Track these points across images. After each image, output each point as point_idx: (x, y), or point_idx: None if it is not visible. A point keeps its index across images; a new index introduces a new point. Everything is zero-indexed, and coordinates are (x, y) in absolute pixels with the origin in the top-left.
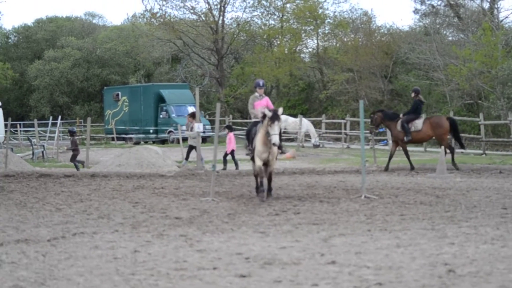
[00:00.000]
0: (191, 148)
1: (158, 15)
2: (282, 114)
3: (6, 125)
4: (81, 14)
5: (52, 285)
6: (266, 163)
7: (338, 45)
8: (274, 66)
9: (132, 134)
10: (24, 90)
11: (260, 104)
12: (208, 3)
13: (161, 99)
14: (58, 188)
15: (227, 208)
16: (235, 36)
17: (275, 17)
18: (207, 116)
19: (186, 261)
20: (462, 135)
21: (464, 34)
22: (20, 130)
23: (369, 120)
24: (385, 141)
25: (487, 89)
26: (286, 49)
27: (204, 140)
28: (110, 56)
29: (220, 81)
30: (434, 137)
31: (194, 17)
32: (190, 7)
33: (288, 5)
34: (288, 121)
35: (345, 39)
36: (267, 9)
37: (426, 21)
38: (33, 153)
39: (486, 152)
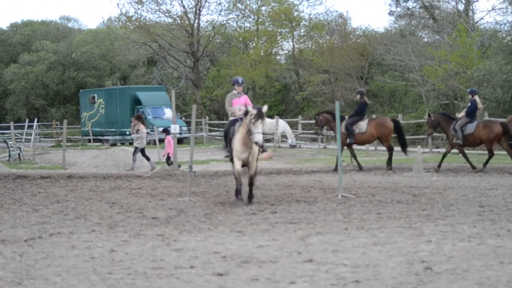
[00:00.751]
0: (136, 149)
1: (133, 18)
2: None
3: None
4: (56, 18)
5: (29, 284)
6: (245, 164)
7: (313, 47)
8: (250, 68)
9: (108, 135)
10: (0, 94)
11: (238, 103)
12: (183, 6)
13: (137, 101)
14: (35, 189)
15: (204, 208)
16: (210, 38)
17: (251, 19)
18: (183, 118)
19: (163, 260)
20: (438, 134)
21: (440, 35)
22: None
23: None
24: None
25: (463, 89)
26: (262, 51)
27: (181, 141)
28: (86, 59)
29: (196, 83)
30: (378, 138)
31: (170, 20)
32: (165, 11)
33: (263, 8)
34: (265, 122)
35: (321, 41)
36: (242, 12)
37: (402, 23)
38: (9, 155)
39: None
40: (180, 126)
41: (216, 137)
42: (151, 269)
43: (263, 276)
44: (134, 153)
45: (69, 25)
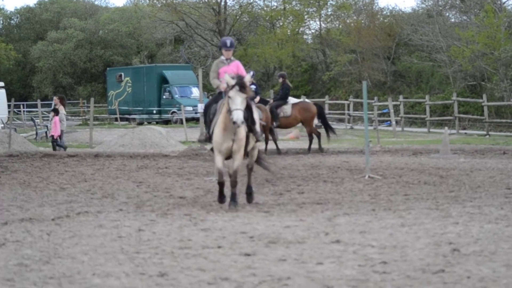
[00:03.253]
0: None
1: None
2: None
3: (9, 106)
4: None
5: (56, 263)
6: (229, 156)
7: (340, 26)
8: (277, 48)
9: (135, 114)
10: (27, 71)
11: (228, 72)
12: None
13: (164, 80)
14: (62, 167)
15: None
16: (237, 17)
17: None
18: (210, 97)
19: (191, 239)
20: (465, 116)
21: (467, 16)
22: (23, 111)
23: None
24: (389, 122)
25: (490, 70)
26: (288, 31)
27: None
28: (113, 37)
29: None
30: (301, 122)
31: None
32: None
33: None
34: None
35: (348, 21)
36: None
37: (429, 3)
38: (36, 133)
39: (490, 133)
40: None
41: None
42: (179, 248)
43: (291, 256)
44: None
45: (96, 2)
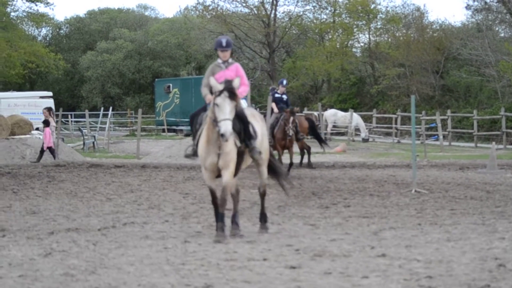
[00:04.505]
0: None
1: (210, 8)
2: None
3: (57, 115)
4: (133, 6)
5: (102, 273)
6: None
7: (390, 40)
8: (326, 60)
9: (182, 126)
10: (75, 81)
11: (225, 77)
12: None
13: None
14: (109, 178)
15: (277, 200)
16: (287, 30)
17: (327, 11)
18: (258, 109)
19: (236, 252)
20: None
21: None
22: (71, 121)
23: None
24: (436, 136)
25: None
26: (337, 44)
27: None
28: (162, 48)
29: (271, 75)
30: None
31: (246, 10)
32: (242, 0)
33: (340, 0)
34: (338, 115)
35: (397, 34)
36: (319, 3)
37: (479, 17)
38: (84, 143)
39: None
40: None
41: None
42: (224, 260)
43: (336, 269)
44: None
45: (146, 13)
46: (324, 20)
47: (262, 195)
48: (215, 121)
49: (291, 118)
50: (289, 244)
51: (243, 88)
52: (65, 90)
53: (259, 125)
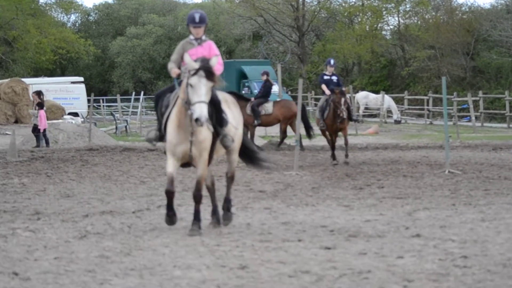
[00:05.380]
0: (34, 127)
1: None
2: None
3: (89, 100)
4: None
5: (137, 255)
6: (188, 163)
7: (419, 22)
8: (355, 43)
9: None
10: (106, 66)
11: (196, 55)
12: None
13: (243, 76)
14: (142, 161)
15: (311, 182)
16: (315, 13)
17: None
18: (289, 92)
19: (271, 233)
20: None
21: None
22: (103, 105)
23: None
24: (468, 117)
25: None
26: (367, 27)
27: None
28: None
29: (301, 58)
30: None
31: None
32: None
33: None
34: (369, 97)
35: (426, 17)
36: None
37: None
38: (116, 128)
39: None
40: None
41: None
42: (259, 241)
43: (371, 250)
44: (34, 131)
45: None
46: (353, 3)
47: (229, 179)
48: (187, 104)
49: (342, 99)
50: (323, 225)
51: (217, 67)
52: (96, 75)
53: (231, 112)
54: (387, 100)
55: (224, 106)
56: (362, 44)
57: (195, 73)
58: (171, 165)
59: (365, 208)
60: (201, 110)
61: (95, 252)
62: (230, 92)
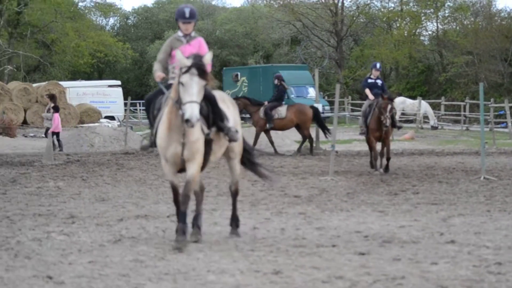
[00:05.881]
0: (47, 130)
1: None
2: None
3: (125, 104)
4: None
5: (171, 259)
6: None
7: (458, 28)
8: (393, 49)
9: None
10: (143, 70)
11: (186, 53)
12: None
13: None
14: None
15: (346, 187)
16: (354, 18)
17: (395, 0)
18: (326, 97)
19: (305, 238)
20: None
21: None
22: (140, 109)
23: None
24: (505, 124)
25: None
26: (405, 32)
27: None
28: (230, 37)
29: (339, 63)
30: (297, 125)
31: None
32: None
33: None
34: (406, 103)
35: (465, 22)
36: None
37: None
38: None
39: None
40: (323, 106)
41: (358, 117)
42: (293, 246)
43: (405, 256)
44: (46, 134)
45: (213, 3)
46: (391, 8)
47: (234, 194)
48: (178, 103)
49: (389, 106)
50: (358, 230)
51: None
52: (134, 79)
53: (230, 112)
54: (424, 106)
55: (221, 105)
56: (400, 50)
57: (186, 71)
58: (169, 172)
59: (399, 214)
60: (192, 111)
61: (129, 256)
62: (241, 97)
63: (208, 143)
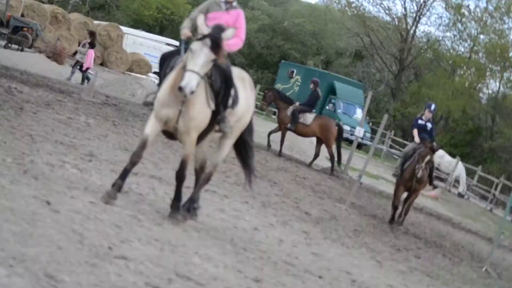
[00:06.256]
0: (77, 63)
1: (353, 5)
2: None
3: None
4: None
5: (167, 228)
6: (170, 134)
7: None
8: (450, 96)
9: None
10: None
11: (219, 21)
12: (404, 8)
13: (332, 91)
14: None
15: (356, 223)
16: (422, 51)
17: (466, 44)
18: (370, 124)
19: (298, 258)
20: None
21: None
22: None
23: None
24: None
25: None
26: (467, 82)
27: (360, 146)
28: (296, 31)
29: (394, 92)
30: (318, 138)
31: (388, 18)
32: (386, 7)
33: (481, 36)
34: (444, 159)
35: None
36: (460, 33)
37: None
38: None
39: None
40: (364, 131)
41: (395, 156)
42: (283, 262)
43: None
44: (74, 65)
45: None
46: (460, 52)
47: (206, 177)
48: (183, 69)
49: (428, 157)
50: (348, 271)
51: (235, 40)
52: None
53: (244, 94)
54: (459, 169)
55: (238, 83)
56: (457, 100)
57: (200, 39)
58: (151, 128)
59: (394, 271)
60: (189, 80)
61: (129, 211)
62: (272, 89)
63: (211, 121)
